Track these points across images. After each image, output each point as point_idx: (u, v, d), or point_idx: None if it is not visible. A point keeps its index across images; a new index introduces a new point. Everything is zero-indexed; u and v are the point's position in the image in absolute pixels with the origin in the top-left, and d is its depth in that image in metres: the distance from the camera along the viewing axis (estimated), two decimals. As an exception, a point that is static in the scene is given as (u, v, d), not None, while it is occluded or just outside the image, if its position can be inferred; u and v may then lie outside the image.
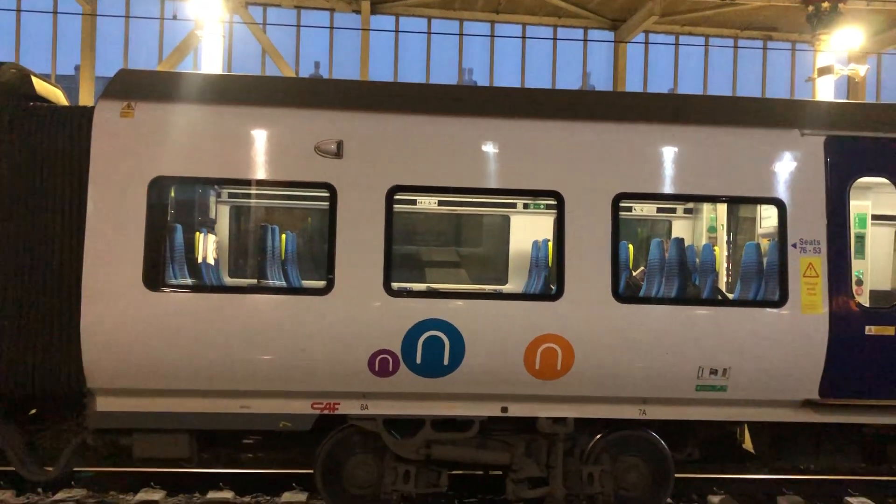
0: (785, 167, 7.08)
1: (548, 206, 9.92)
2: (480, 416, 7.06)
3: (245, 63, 22.05)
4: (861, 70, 18.84)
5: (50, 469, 7.08)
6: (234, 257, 10.06)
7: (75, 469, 7.99)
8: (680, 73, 23.79)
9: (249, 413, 6.85)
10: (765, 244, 8.08)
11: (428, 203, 10.04)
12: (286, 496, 8.30)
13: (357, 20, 21.34)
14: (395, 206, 6.86)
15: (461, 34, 22.96)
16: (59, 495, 8.18)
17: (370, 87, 8.12)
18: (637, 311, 7.00)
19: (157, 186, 6.67)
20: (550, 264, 9.07)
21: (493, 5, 21.63)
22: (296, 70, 21.89)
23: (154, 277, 6.60)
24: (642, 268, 9.33)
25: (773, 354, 6.92)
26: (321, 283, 6.91)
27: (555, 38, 22.98)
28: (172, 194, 7.07)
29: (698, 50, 23.68)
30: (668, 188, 7.07)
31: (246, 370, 6.68)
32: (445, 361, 6.74)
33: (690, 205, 10.33)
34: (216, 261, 9.14)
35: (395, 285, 6.85)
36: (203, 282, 7.87)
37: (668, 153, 7.04)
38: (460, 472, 8.02)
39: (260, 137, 6.77)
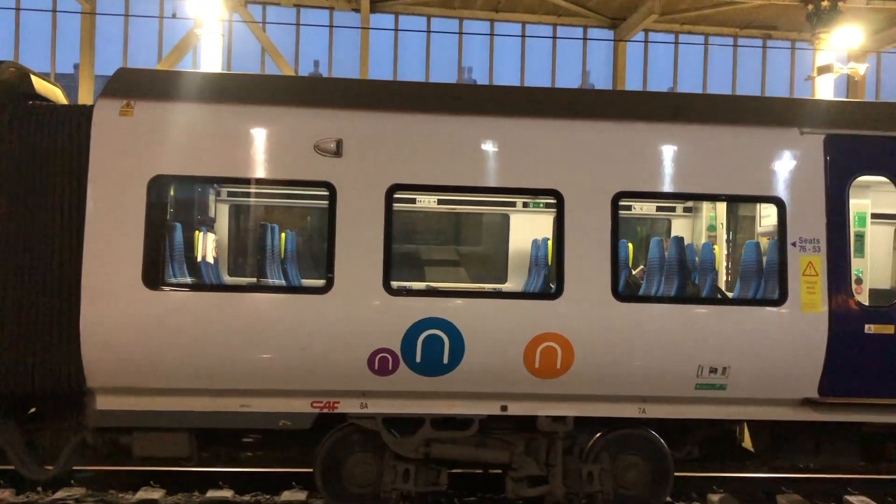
0: (784, 166, 7.08)
1: (547, 205, 9.92)
2: (480, 415, 7.06)
3: (244, 62, 22.07)
4: (860, 69, 18.87)
5: (49, 468, 7.08)
6: (234, 256, 10.06)
7: (75, 468, 7.99)
8: (679, 71, 23.82)
9: (249, 412, 6.85)
10: (764, 243, 8.07)
11: (427, 202, 10.04)
12: (286, 495, 8.31)
13: (356, 19, 21.34)
14: (395, 204, 6.85)
15: (461, 33, 22.96)
16: (59, 494, 8.18)
17: (370, 85, 8.11)
18: (637, 310, 7.00)
19: (157, 185, 6.67)
20: (550, 263, 9.07)
21: (492, 4, 21.62)
22: (295, 69, 21.89)
23: (154, 276, 6.60)
24: (642, 266, 9.34)
25: (773, 353, 6.92)
26: (321, 282, 6.91)
27: (554, 37, 22.98)
28: (172, 193, 7.06)
29: (698, 49, 23.69)
30: (667, 187, 7.07)
31: (245, 369, 6.68)
32: (445, 360, 6.74)
33: (690, 203, 10.33)
34: (216, 259, 9.14)
35: (394, 284, 6.85)
36: (202, 281, 7.87)
37: (668, 152, 7.03)
38: (460, 470, 8.02)
39: (259, 136, 6.77)
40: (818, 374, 6.98)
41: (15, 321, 6.60)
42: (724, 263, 9.64)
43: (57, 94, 7.78)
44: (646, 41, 23.18)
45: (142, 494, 8.17)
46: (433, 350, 6.71)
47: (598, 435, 7.32)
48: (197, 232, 8.54)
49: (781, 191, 7.06)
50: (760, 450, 7.74)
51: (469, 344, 6.73)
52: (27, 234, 6.62)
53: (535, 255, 9.61)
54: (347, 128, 6.82)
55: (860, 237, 9.55)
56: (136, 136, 6.66)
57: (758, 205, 8.91)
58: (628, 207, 10.26)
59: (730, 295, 8.36)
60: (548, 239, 9.36)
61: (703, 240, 9.79)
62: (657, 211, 10.54)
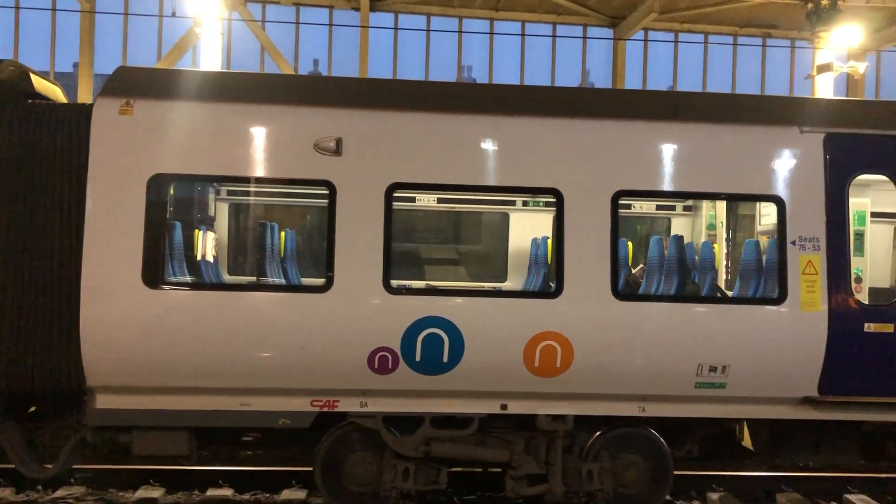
0: (784, 164, 7.08)
1: (547, 204, 9.92)
2: (480, 414, 7.06)
3: (244, 60, 22.06)
4: (860, 67, 18.87)
5: (49, 466, 7.08)
6: (234, 255, 10.05)
7: (75, 466, 7.98)
8: (679, 70, 23.83)
9: (249, 410, 6.85)
10: (764, 241, 8.07)
11: (427, 200, 10.04)
12: (286, 493, 8.31)
13: (356, 17, 21.35)
14: (395, 203, 6.85)
15: (460, 31, 22.96)
16: (59, 493, 8.18)
17: (369, 84, 8.11)
18: (636, 309, 6.99)
19: (156, 184, 6.67)
20: (550, 262, 9.07)
21: (492, 3, 21.63)
22: (295, 67, 21.88)
23: (153, 275, 6.59)
24: (641, 265, 9.34)
25: (773, 352, 6.92)
26: (320, 281, 6.91)
27: (554, 36, 22.98)
28: (171, 192, 7.05)
29: (697, 47, 23.69)
30: (667, 185, 7.07)
31: (245, 368, 6.68)
32: (445, 359, 6.74)
33: (690, 202, 10.33)
34: (215, 258, 9.14)
35: (394, 283, 6.85)
36: (202, 279, 7.87)
37: (668, 150, 7.03)
38: (460, 469, 8.02)
39: (259, 135, 6.77)
40: (818, 373, 6.98)
41: (14, 320, 6.59)
42: (724, 262, 9.64)
43: (56, 93, 7.78)
44: (645, 40, 23.17)
45: (141, 493, 8.17)
46: (433, 349, 6.71)
47: (597, 433, 7.32)
48: (197, 231, 8.54)
49: (781, 189, 7.05)
50: (760, 448, 7.74)
51: (469, 343, 6.73)
52: (27, 232, 6.61)
53: (534, 253, 9.61)
54: (347, 126, 6.81)
55: (860, 236, 9.55)
56: (136, 135, 6.66)
57: (757, 203, 8.91)
58: (628, 206, 10.26)
59: (729, 294, 8.36)
60: (547, 238, 9.36)
61: (703, 238, 9.79)
62: (657, 210, 10.53)
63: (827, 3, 18.00)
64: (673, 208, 10.48)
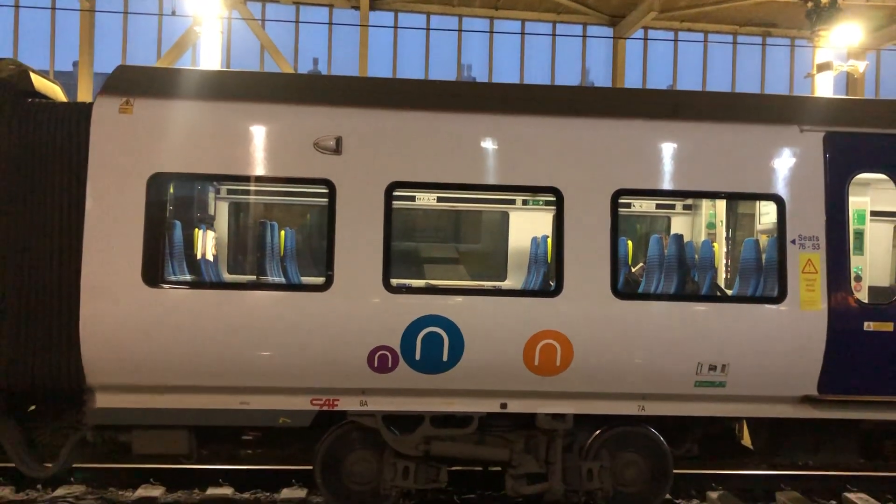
0: (784, 163, 7.08)
1: (547, 203, 9.92)
2: (479, 413, 7.06)
3: (244, 59, 22.04)
4: (860, 66, 18.85)
5: (49, 465, 7.08)
6: (234, 254, 10.06)
7: (75, 465, 7.97)
8: (679, 69, 23.81)
9: (249, 409, 6.85)
10: (764, 240, 8.08)
11: (427, 199, 10.04)
12: (286, 492, 8.31)
13: (356, 16, 21.34)
14: (395, 202, 6.85)
15: (460, 30, 22.94)
16: (59, 492, 8.19)
17: (369, 83, 8.11)
18: (636, 308, 7.00)
19: (156, 183, 6.67)
20: (549, 261, 9.07)
21: (492, 1, 21.62)
22: (294, 66, 21.87)
23: (153, 274, 6.60)
24: (641, 264, 9.34)
25: (772, 350, 6.92)
26: (320, 280, 6.91)
27: (554, 35, 22.98)
28: (171, 191, 7.06)
29: (697, 46, 23.68)
30: (667, 184, 7.07)
31: (245, 366, 6.68)
32: (444, 358, 6.75)
33: (689, 201, 10.33)
34: (215, 257, 9.14)
35: (394, 282, 6.85)
36: (202, 278, 7.87)
37: (667, 149, 7.03)
38: (459, 468, 8.03)
39: (259, 134, 6.77)
40: (817, 372, 6.99)
41: (14, 319, 6.60)
42: (724, 261, 9.64)
43: (56, 92, 7.77)
44: (645, 38, 23.16)
45: (141, 492, 8.17)
46: (433, 348, 6.71)
47: (597, 432, 7.32)
48: (196, 229, 8.54)
49: (781, 188, 7.05)
50: (760, 447, 7.76)
51: (468, 341, 6.73)
52: (27, 231, 6.61)
53: (534, 252, 9.61)
54: (347, 125, 6.81)
55: (859, 234, 9.55)
56: (136, 134, 6.66)
57: (757, 202, 8.91)
58: (628, 205, 10.26)
59: (729, 292, 8.36)
60: (547, 237, 9.36)
61: (703, 237, 9.79)
62: (657, 208, 10.53)
63: (827, 2, 17.98)
64: (673, 207, 10.48)
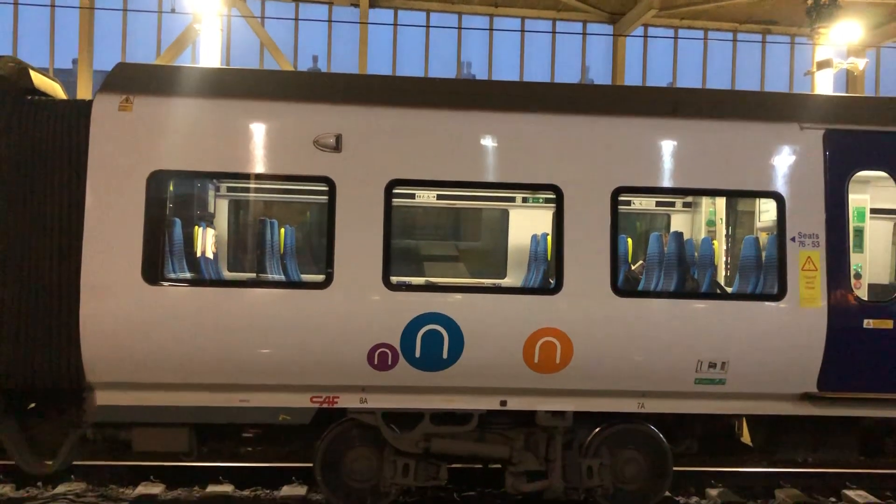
0: (784, 161, 7.08)
1: (547, 200, 9.92)
2: (479, 410, 7.06)
3: (243, 57, 22.01)
4: (860, 64, 18.84)
5: (49, 463, 7.08)
6: (233, 251, 10.05)
7: (75, 462, 7.98)
8: (679, 66, 23.77)
9: (249, 407, 6.86)
10: (763, 238, 8.08)
11: (427, 197, 10.04)
12: (286, 490, 8.32)
13: (355, 14, 21.31)
14: (394, 199, 6.85)
15: (460, 28, 22.90)
16: (59, 489, 8.19)
17: (369, 80, 8.12)
18: (636, 305, 7.00)
19: (156, 180, 6.67)
20: (549, 258, 9.08)
21: (491, -1, 21.59)
22: (294, 64, 21.85)
23: (153, 271, 6.60)
24: (641, 261, 9.34)
25: (772, 348, 6.93)
26: (320, 277, 6.91)
27: (553, 32, 22.95)
28: (171, 188, 7.06)
29: (697, 43, 23.63)
30: (667, 182, 7.08)
31: (245, 364, 6.69)
32: (444, 355, 6.75)
33: (689, 198, 10.33)
34: (215, 255, 9.13)
35: (394, 279, 6.85)
36: (202, 276, 7.86)
37: (667, 147, 7.03)
38: (459, 465, 8.03)
39: (258, 131, 6.76)
40: (817, 369, 6.99)
41: (14, 317, 6.59)
42: (724, 258, 9.64)
43: (56, 90, 7.77)
44: (645, 36, 23.12)
45: (141, 489, 8.18)
46: (433, 345, 6.72)
47: (597, 430, 7.33)
48: (196, 227, 8.54)
49: (781, 186, 7.06)
50: (759, 444, 7.76)
51: (468, 339, 6.74)
52: (26, 229, 6.61)
53: (534, 250, 9.61)
54: (347, 123, 6.81)
55: (859, 232, 9.55)
56: (135, 131, 6.66)
57: (757, 200, 8.91)
58: (628, 202, 10.26)
59: (729, 290, 8.37)
60: (547, 234, 9.36)
61: (703, 235, 9.79)
62: (656, 206, 10.53)
63: (826, 0, 17.97)
64: (672, 205, 10.48)
